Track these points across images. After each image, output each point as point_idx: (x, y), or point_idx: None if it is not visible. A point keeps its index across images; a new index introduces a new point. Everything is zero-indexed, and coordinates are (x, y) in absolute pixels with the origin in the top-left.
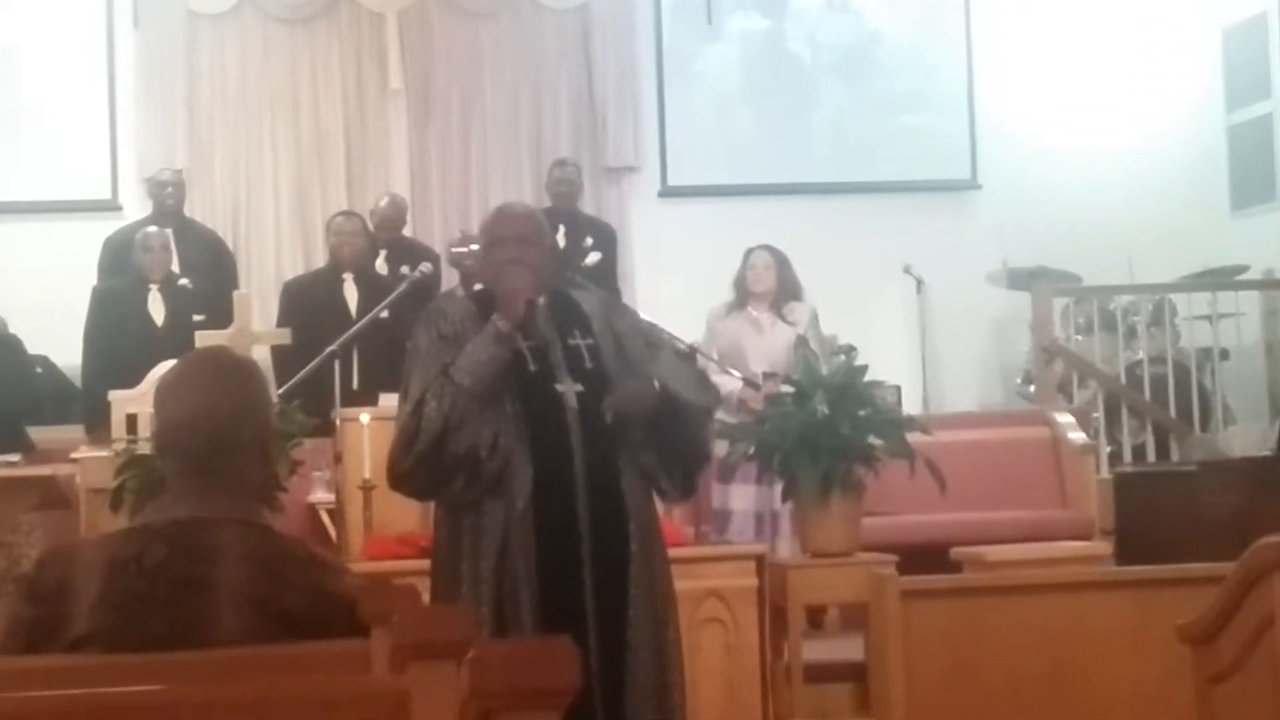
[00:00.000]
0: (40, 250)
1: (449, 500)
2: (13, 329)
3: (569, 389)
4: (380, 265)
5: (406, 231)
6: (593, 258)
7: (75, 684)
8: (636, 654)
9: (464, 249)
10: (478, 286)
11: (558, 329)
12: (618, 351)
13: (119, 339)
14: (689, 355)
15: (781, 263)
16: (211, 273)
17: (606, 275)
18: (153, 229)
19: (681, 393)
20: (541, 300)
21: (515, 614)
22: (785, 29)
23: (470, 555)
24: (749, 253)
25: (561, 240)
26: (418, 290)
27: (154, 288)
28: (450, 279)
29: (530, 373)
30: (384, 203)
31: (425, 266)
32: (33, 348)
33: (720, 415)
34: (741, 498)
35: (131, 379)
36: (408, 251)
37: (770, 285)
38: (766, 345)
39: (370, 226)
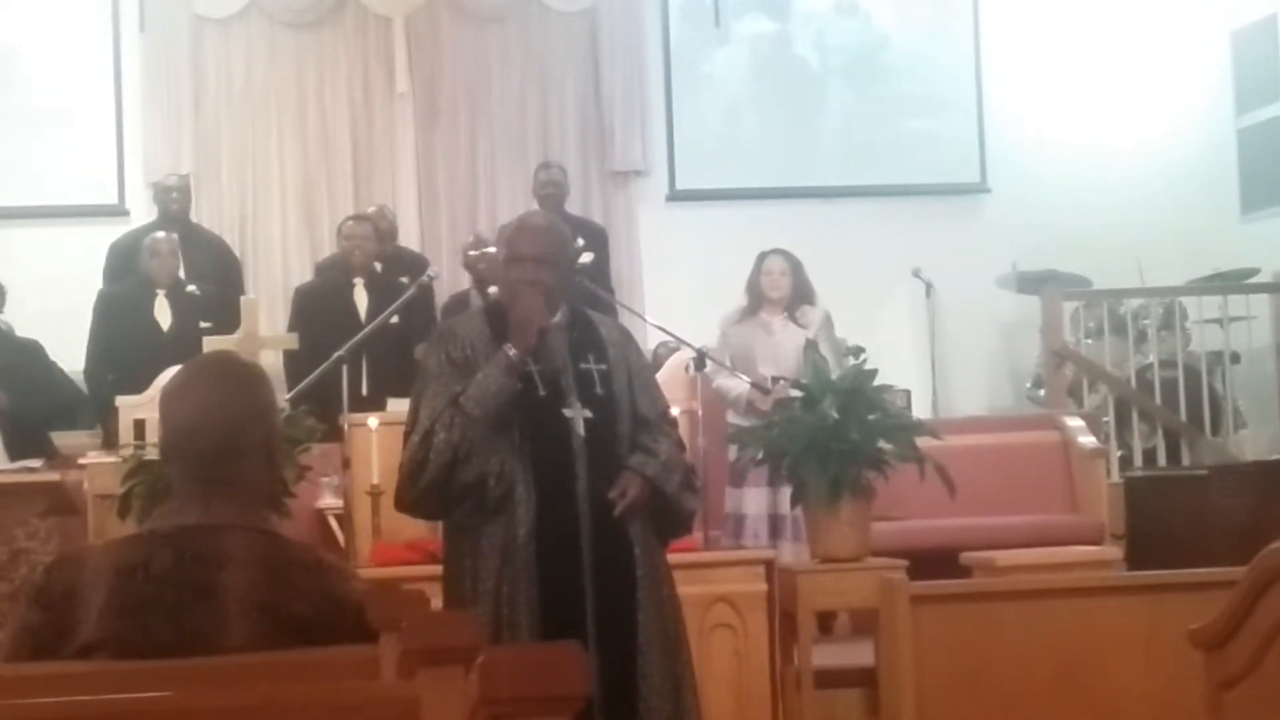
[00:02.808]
0: (47, 255)
1: (454, 521)
2: (20, 334)
3: (577, 414)
4: None
5: (413, 236)
6: (585, 258)
7: (83, 691)
8: (648, 680)
9: (477, 252)
10: (491, 289)
11: (572, 351)
12: (628, 385)
13: (125, 344)
14: (683, 449)
15: (796, 267)
16: (217, 278)
17: (600, 276)
18: (160, 234)
19: (676, 499)
20: (558, 317)
21: (514, 639)
22: (793, 32)
23: (471, 575)
24: (763, 257)
25: None
26: (424, 295)
27: (161, 293)
28: (454, 282)
29: (539, 397)
30: (372, 211)
31: (432, 271)
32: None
33: (730, 418)
34: (755, 501)
35: (137, 384)
36: (403, 263)
37: (785, 290)
38: (779, 349)
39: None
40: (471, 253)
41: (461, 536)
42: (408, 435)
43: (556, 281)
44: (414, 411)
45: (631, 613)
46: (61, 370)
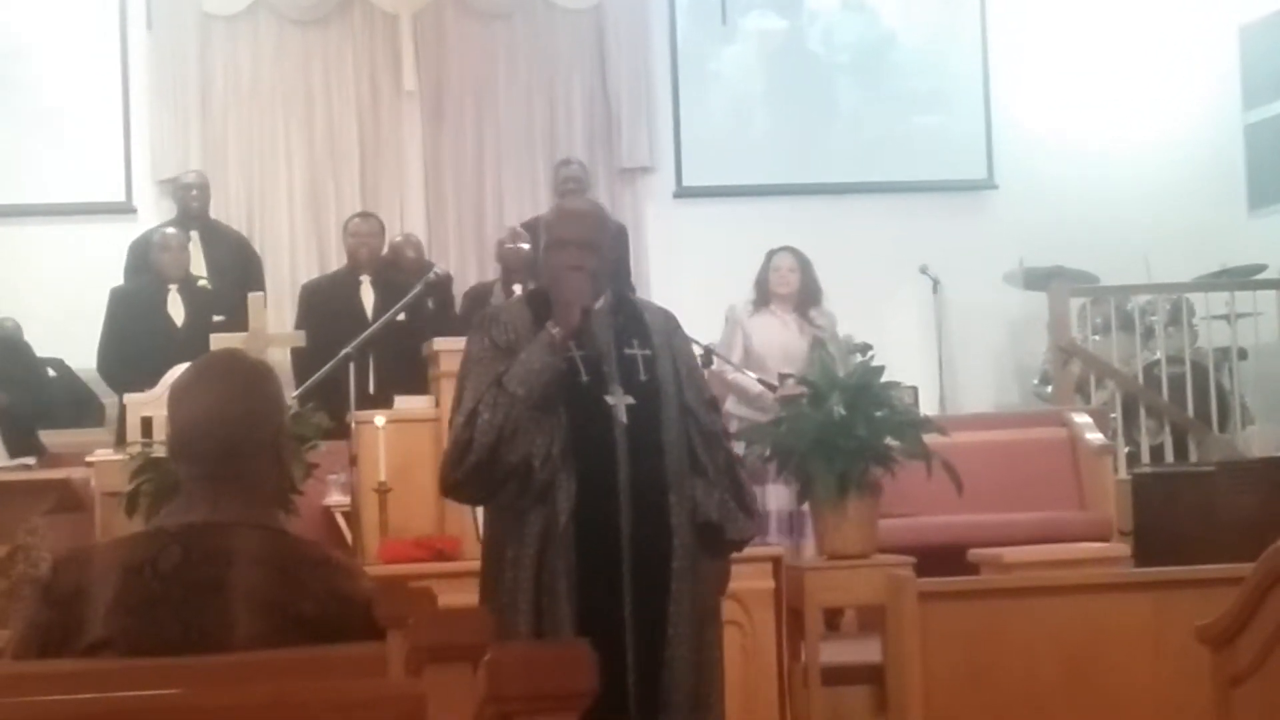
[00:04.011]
0: (54, 253)
1: (499, 504)
2: (27, 332)
3: (619, 401)
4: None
5: (421, 233)
6: None
7: (91, 688)
8: (674, 672)
9: (514, 245)
10: (515, 286)
11: (616, 336)
12: (674, 370)
13: (138, 340)
14: (738, 459)
15: (805, 265)
16: (237, 274)
17: (621, 273)
18: (171, 229)
19: (731, 529)
20: (601, 303)
21: (553, 628)
22: (800, 29)
23: (512, 564)
24: (771, 254)
25: None
26: (432, 293)
27: (173, 288)
28: (462, 279)
29: (581, 383)
30: (398, 240)
31: (439, 268)
32: (47, 350)
33: (740, 412)
34: (775, 498)
35: (151, 380)
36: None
37: (794, 287)
38: (792, 346)
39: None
40: (507, 245)
41: (504, 523)
42: (452, 420)
43: (598, 265)
44: (458, 395)
45: (664, 602)
46: (65, 367)
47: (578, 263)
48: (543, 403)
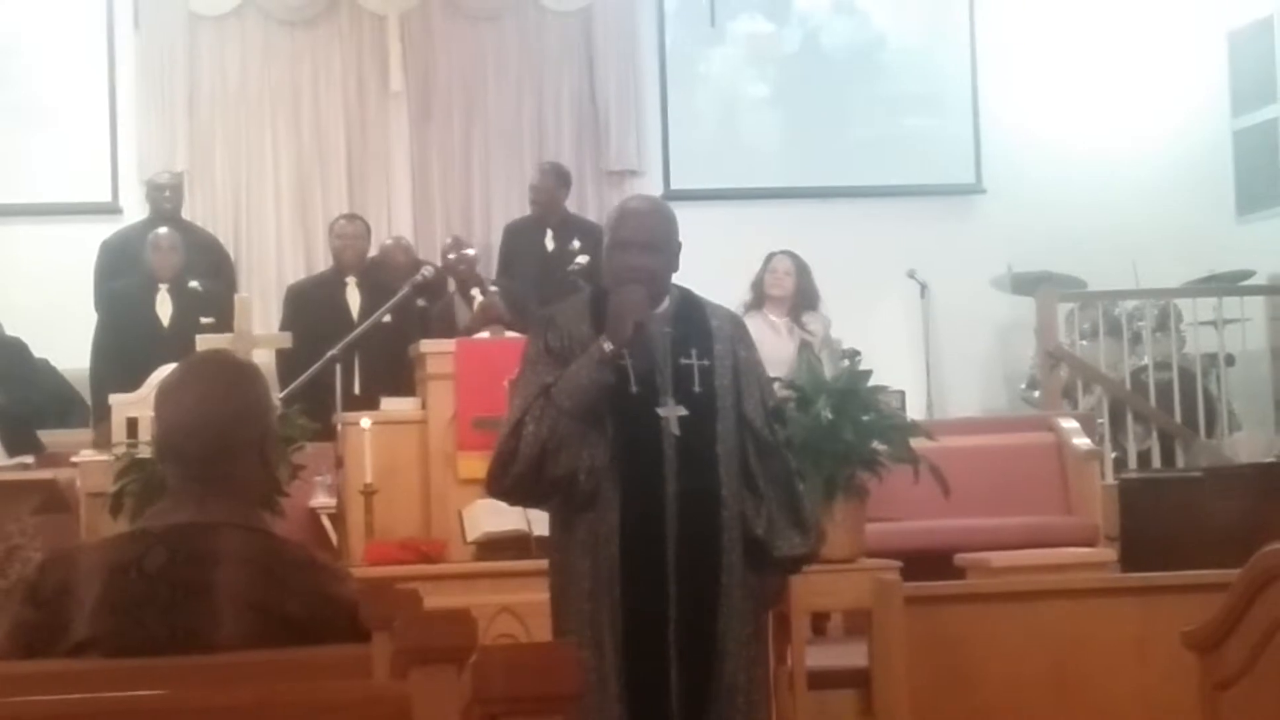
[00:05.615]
0: (40, 252)
1: (552, 511)
2: (12, 332)
3: (671, 413)
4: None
5: (407, 234)
6: (581, 260)
7: (76, 689)
8: (722, 685)
9: (455, 255)
10: (473, 291)
11: (673, 345)
12: (734, 381)
13: (126, 340)
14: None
15: (802, 270)
16: (211, 276)
17: (595, 277)
18: (163, 229)
19: (781, 546)
20: (663, 306)
21: (596, 639)
22: (788, 32)
23: (559, 570)
24: (770, 256)
25: (550, 244)
26: (421, 293)
27: (164, 288)
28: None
29: (631, 394)
30: (389, 244)
31: (427, 270)
32: (33, 350)
33: None
34: None
35: (138, 380)
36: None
37: (789, 290)
38: (782, 350)
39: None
40: (450, 255)
41: (559, 528)
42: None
43: (661, 268)
44: (511, 396)
45: (712, 622)
46: (50, 367)
47: (637, 264)
48: (588, 416)
